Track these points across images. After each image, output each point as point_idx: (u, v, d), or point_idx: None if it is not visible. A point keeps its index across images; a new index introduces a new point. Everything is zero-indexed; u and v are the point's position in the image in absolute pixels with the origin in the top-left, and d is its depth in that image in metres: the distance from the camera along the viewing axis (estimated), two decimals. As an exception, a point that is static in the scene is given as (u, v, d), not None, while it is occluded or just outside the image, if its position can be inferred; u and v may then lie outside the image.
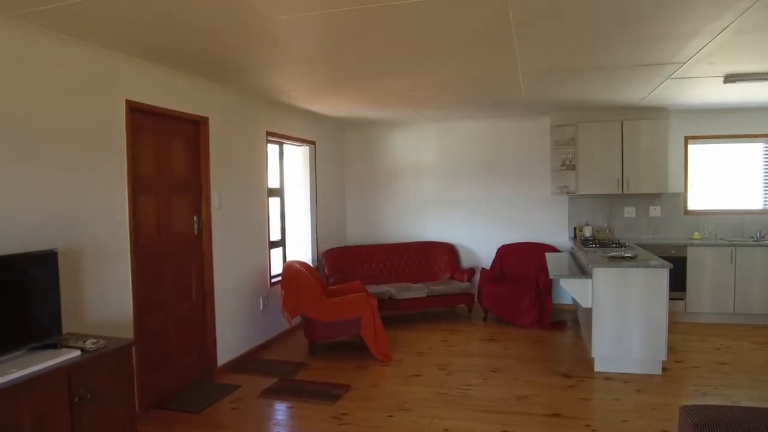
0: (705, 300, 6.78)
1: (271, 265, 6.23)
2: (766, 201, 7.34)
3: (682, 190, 7.45)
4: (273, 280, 6.18)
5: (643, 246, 6.73)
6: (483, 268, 7.41)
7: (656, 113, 7.03)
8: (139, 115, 4.29)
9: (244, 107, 5.67)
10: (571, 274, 5.14)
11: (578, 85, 5.49)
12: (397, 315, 7.09)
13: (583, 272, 5.30)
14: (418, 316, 7.29)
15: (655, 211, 7.50)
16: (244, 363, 5.49)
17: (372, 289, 6.85)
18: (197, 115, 4.92)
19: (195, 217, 4.99)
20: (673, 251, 6.82)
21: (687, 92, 5.93)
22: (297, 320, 6.13)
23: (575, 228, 7.57)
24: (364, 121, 7.85)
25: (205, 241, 5.06)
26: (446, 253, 7.86)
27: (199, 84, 4.94)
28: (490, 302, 7.01)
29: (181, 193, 4.84)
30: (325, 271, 7.21)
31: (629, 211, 7.56)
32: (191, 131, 4.96)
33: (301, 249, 7.27)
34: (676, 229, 7.46)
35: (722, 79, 5.18)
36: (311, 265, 7.21)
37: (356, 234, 8.44)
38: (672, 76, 5.09)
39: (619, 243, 6.49)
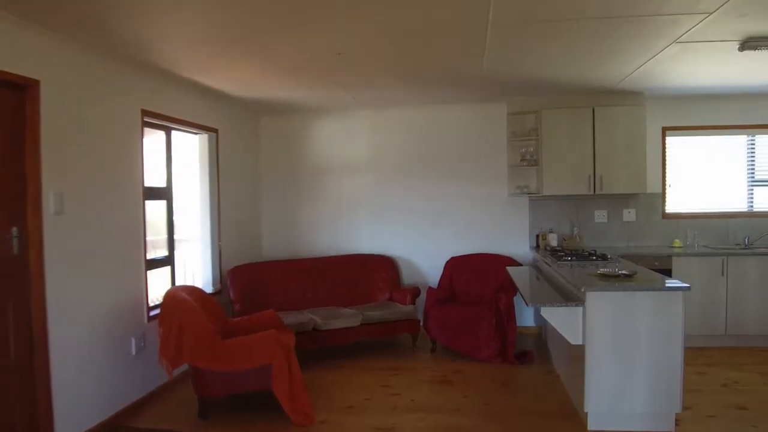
0: (693, 320, 5.60)
1: (149, 291, 4.60)
2: (751, 201, 6.34)
3: (660, 190, 6.34)
4: (153, 313, 4.55)
5: (621, 256, 5.53)
6: (429, 287, 6.02)
7: (632, 98, 5.88)
8: None
9: (104, 73, 4.05)
10: (555, 301, 3.81)
11: (557, 50, 4.20)
12: (324, 350, 5.59)
13: (565, 295, 4.00)
14: (351, 350, 5.80)
15: (629, 214, 6.36)
16: (103, 436, 3.86)
17: (290, 318, 5.33)
18: (20, 77, 3.28)
19: (14, 229, 3.33)
20: (656, 263, 5.65)
21: (675, 70, 4.79)
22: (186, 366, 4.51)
23: (538, 235, 6.32)
24: (284, 106, 6.32)
25: (33, 264, 3.41)
26: (384, 268, 6.43)
27: (23, 31, 3.30)
28: (440, 330, 5.63)
29: (-13, 193, 3.19)
30: (230, 296, 5.62)
31: (600, 215, 6.38)
32: (10, 101, 3.31)
33: (197, 268, 5.65)
34: (654, 235, 6.34)
35: (738, 45, 4.03)
36: (210, 289, 5.60)
37: (274, 246, 6.87)
38: (680, 39, 3.87)
39: (597, 254, 5.26)
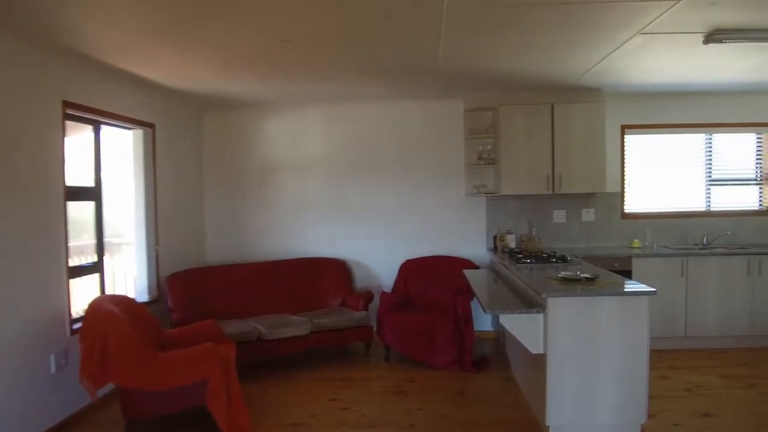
0: (654, 322, 5.32)
1: (73, 302, 4.16)
2: (709, 201, 6.26)
3: (619, 190, 6.20)
4: (76, 326, 4.11)
5: (577, 257, 5.36)
6: (383, 292, 5.71)
7: (590, 95, 5.72)
8: None
9: (17, 59, 3.61)
10: (514, 307, 3.56)
11: (516, 38, 3.95)
12: (270, 361, 5.23)
13: (525, 301, 3.76)
14: (299, 360, 5.45)
15: (588, 214, 6.20)
16: (14, 466, 3.41)
17: (233, 327, 4.95)
18: None
19: None
20: (616, 264, 5.49)
21: (636, 65, 4.63)
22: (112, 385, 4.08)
23: (495, 237, 6.10)
24: (230, 101, 5.93)
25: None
26: (336, 271, 6.10)
27: None
28: (394, 336, 5.34)
29: None
30: (168, 305, 5.20)
31: (559, 216, 6.20)
32: None
33: (131, 275, 5.22)
34: (613, 235, 6.20)
35: (703, 38, 3.86)
36: (145, 298, 5.18)
37: (219, 250, 6.45)
38: (644, 30, 3.68)
39: (557, 256, 5.06)
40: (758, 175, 6.26)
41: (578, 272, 3.94)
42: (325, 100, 6.10)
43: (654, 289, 3.47)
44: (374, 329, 5.58)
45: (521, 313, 3.47)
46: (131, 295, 5.09)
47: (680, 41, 3.96)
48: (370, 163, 6.30)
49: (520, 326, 3.51)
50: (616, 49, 4.13)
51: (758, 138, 6.24)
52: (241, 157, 6.42)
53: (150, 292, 5.25)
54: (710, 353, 5.46)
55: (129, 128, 5.12)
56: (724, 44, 3.91)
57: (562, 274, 3.95)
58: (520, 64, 4.65)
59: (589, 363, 3.46)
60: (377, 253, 6.29)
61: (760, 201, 6.26)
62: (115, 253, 5.03)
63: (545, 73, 4.99)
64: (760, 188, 6.26)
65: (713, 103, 6.08)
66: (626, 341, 3.44)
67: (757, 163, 6.26)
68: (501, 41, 3.99)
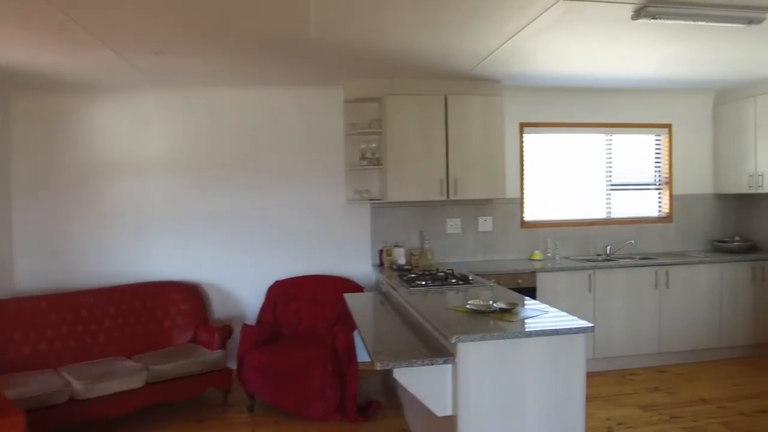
0: None
1: None
2: (609, 207, 5.75)
3: (519, 195, 5.52)
4: None
5: (479, 275, 4.57)
6: (245, 324, 4.56)
7: (488, 87, 4.99)
8: None
9: None
10: (413, 358, 2.60)
11: (403, 10, 3.04)
12: (90, 425, 3.91)
13: (425, 341, 2.84)
14: (133, 421, 4.15)
15: (485, 223, 5.45)
16: None
17: (34, 384, 3.60)
18: None
19: None
20: (519, 281, 4.78)
21: (547, 49, 3.90)
22: None
23: (382, 251, 5.17)
24: (43, 80, 4.51)
25: None
26: (187, 299, 4.86)
27: None
28: (260, 381, 4.23)
29: None
30: (-68, 357, 3.74)
31: (453, 225, 5.39)
32: None
33: None
34: (512, 246, 5.50)
35: (633, 12, 3.18)
36: None
37: (31, 274, 4.94)
38: (567, -9, 2.91)
39: (457, 275, 4.21)
40: (657, 180, 5.85)
41: (490, 300, 3.08)
42: (173, 83, 4.86)
43: (591, 325, 2.67)
44: (234, 373, 4.42)
45: (424, 365, 2.53)
46: None
47: (606, 14, 3.24)
48: (232, 163, 5.13)
49: (422, 382, 2.57)
50: (532, 21, 3.32)
51: (657, 140, 5.84)
52: (63, 154, 4.96)
53: None
54: (620, 376, 4.89)
55: None
56: (654, 22, 3.27)
57: (471, 303, 3.07)
58: (408, 43, 3.76)
59: (512, 422, 2.59)
60: (241, 273, 5.13)
61: (660, 207, 5.85)
62: None
63: (439, 57, 4.15)
64: (659, 193, 5.85)
65: (614, 102, 5.61)
66: (559, 391, 2.62)
67: (656, 167, 5.85)
68: (381, 13, 3.07)
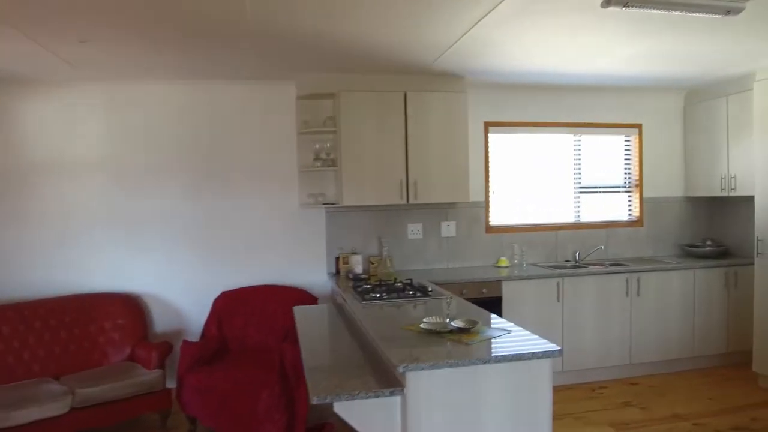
0: None
1: None
2: (578, 211, 5.50)
3: (484, 199, 5.22)
4: None
5: (441, 284, 4.27)
6: (185, 341, 4.15)
7: (452, 83, 4.68)
8: None
9: None
10: (355, 391, 2.25)
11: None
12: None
13: (375, 365, 2.50)
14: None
15: (448, 228, 5.14)
16: None
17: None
18: None
19: None
20: (484, 290, 4.49)
21: (506, 44, 3.58)
22: None
23: (338, 258, 4.82)
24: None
25: None
26: (123, 312, 4.43)
27: None
28: (201, 403, 3.85)
29: None
30: None
31: (414, 230, 5.07)
32: None
33: None
34: (477, 253, 5.20)
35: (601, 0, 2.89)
36: None
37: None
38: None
39: (415, 285, 3.88)
40: (627, 183, 5.62)
41: (446, 317, 2.76)
42: (108, 77, 4.44)
43: (558, 348, 2.37)
44: (174, 394, 4.03)
45: (368, 397, 2.19)
46: None
47: (574, 4, 2.95)
48: (176, 164, 4.72)
49: (366, 417, 2.23)
50: (495, 7, 3.00)
51: (627, 141, 5.61)
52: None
53: None
54: (590, 390, 4.63)
55: None
56: (624, 12, 3.01)
57: (425, 322, 2.74)
58: (362, 33, 3.43)
59: (469, 463, 2.27)
60: (185, 283, 4.73)
61: (630, 210, 5.62)
62: None
63: (396, 48, 3.81)
64: (630, 196, 5.62)
65: (583, 101, 5.37)
66: (523, 421, 2.30)
67: (625, 169, 5.62)
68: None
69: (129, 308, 4.48)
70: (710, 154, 5.30)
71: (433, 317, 2.80)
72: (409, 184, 4.60)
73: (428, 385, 2.20)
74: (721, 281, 5.03)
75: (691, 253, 5.40)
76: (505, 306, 4.51)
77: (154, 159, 4.69)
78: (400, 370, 2.17)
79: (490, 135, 5.21)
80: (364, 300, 3.52)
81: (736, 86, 4.93)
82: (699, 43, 3.81)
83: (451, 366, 2.21)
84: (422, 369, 2.18)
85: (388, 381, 2.30)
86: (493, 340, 2.50)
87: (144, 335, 4.44)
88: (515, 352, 2.30)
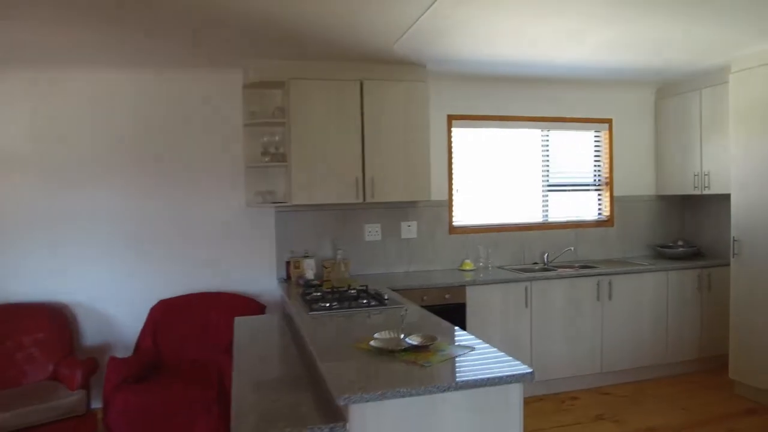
0: None
1: None
2: (546, 210, 5.21)
3: (447, 197, 4.89)
4: None
5: (401, 290, 3.92)
6: (112, 357, 3.70)
7: (411, 72, 4.32)
8: None
9: None
10: (286, 428, 1.86)
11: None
12: None
13: (318, 390, 2.12)
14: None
15: (409, 229, 4.79)
16: None
17: None
18: None
19: None
20: (447, 296, 4.14)
21: (469, 26, 3.24)
22: None
23: (289, 263, 4.42)
24: None
25: None
26: (45, 325, 3.94)
27: None
28: (129, 427, 3.40)
29: None
30: None
31: (372, 232, 4.70)
32: None
33: None
34: (440, 255, 4.86)
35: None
36: None
37: None
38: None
39: (370, 292, 3.51)
40: (596, 180, 5.36)
41: (401, 332, 2.39)
42: (35, 61, 3.93)
43: (530, 371, 2.02)
44: (99, 416, 3.58)
45: (301, 435, 1.80)
46: None
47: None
48: (112, 159, 4.25)
49: (302, 458, 1.85)
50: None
51: (596, 136, 5.34)
52: None
53: None
54: (560, 402, 4.33)
55: None
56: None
57: (376, 339, 2.36)
58: (315, 11, 3.04)
59: (425, 508, 1.91)
60: (118, 291, 4.26)
61: (599, 209, 5.36)
62: None
63: (350, 30, 3.44)
64: (599, 195, 5.36)
65: (551, 94, 5.09)
66: (486, 462, 1.95)
67: (595, 166, 5.36)
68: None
69: (52, 320, 3.99)
70: (683, 150, 5.07)
71: (386, 332, 2.43)
72: (365, 181, 4.23)
73: (376, 419, 1.84)
74: (694, 284, 4.80)
75: (662, 254, 5.17)
76: (470, 313, 4.18)
77: (83, 154, 4.21)
78: (341, 402, 1.79)
79: (453, 129, 4.88)
80: (312, 310, 3.14)
81: (710, 79, 4.70)
82: (673, 30, 3.54)
83: (403, 396, 1.84)
84: (367, 401, 1.80)
85: (332, 412, 1.92)
86: (455, 359, 2.15)
87: (69, 350, 3.96)
88: (480, 377, 1.95)
